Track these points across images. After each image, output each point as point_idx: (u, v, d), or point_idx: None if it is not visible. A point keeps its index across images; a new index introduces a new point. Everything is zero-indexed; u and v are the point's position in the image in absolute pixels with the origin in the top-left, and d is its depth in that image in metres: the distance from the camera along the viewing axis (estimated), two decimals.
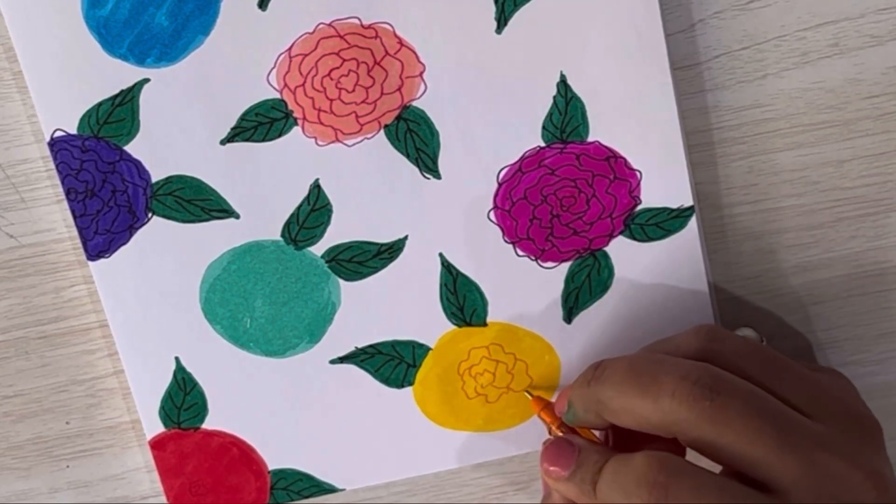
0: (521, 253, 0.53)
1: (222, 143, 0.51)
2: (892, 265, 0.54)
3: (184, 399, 0.54)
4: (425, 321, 0.53)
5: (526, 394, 0.54)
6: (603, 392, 0.48)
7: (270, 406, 0.54)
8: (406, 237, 0.52)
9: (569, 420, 0.50)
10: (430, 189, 0.52)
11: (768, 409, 0.46)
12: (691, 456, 0.47)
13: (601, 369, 0.48)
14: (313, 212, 0.52)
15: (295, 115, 0.51)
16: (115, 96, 0.50)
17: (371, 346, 0.54)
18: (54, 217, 0.53)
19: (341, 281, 0.53)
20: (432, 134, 0.51)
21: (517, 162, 0.52)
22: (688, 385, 0.45)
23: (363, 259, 0.53)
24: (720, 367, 0.47)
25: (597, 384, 0.48)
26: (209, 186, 0.52)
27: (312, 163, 0.51)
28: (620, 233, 0.52)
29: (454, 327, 0.54)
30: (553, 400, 0.52)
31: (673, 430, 0.46)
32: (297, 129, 0.51)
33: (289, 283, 0.53)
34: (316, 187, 0.52)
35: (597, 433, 0.51)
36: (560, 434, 0.50)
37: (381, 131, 0.51)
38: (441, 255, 0.53)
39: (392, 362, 0.54)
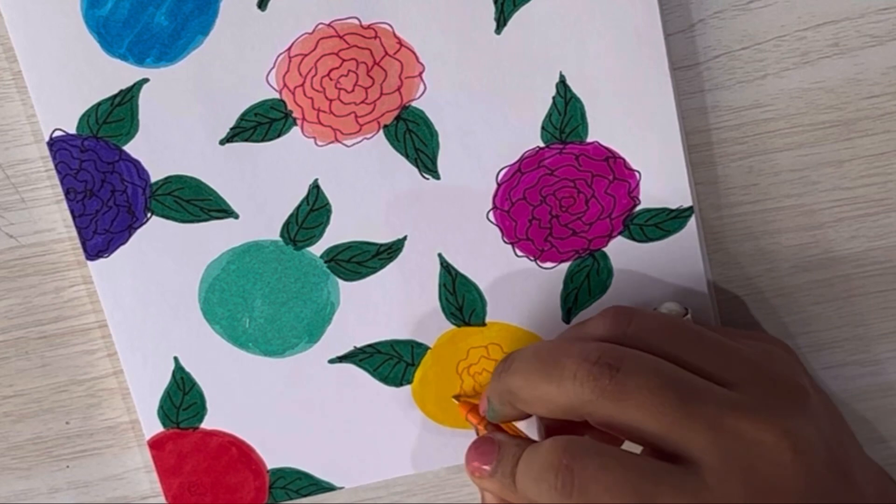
0: (520, 253, 0.53)
1: (221, 143, 0.51)
2: (892, 265, 0.54)
3: (183, 399, 0.54)
4: (424, 321, 0.53)
5: (453, 400, 0.54)
6: (512, 382, 0.48)
7: (269, 405, 0.54)
8: (405, 237, 0.52)
9: (491, 417, 0.50)
10: (429, 189, 0.52)
11: (671, 380, 0.45)
12: None
13: (510, 360, 0.49)
14: (312, 212, 0.52)
15: (294, 115, 0.51)
16: (115, 96, 0.50)
17: (370, 345, 0.54)
18: (54, 217, 0.53)
19: (340, 281, 0.53)
20: (431, 134, 0.51)
21: (516, 162, 0.52)
22: (587, 365, 0.45)
23: (362, 259, 0.53)
24: (629, 346, 0.46)
25: (506, 375, 0.48)
26: (208, 186, 0.52)
27: (311, 163, 0.51)
28: (619, 233, 0.52)
29: (453, 327, 0.54)
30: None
31: (581, 413, 0.46)
32: (296, 129, 0.51)
33: (288, 283, 0.53)
34: (315, 187, 0.52)
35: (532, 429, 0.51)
36: (485, 433, 0.50)
37: (381, 131, 0.51)
38: (440, 255, 0.53)
39: (391, 361, 0.54)
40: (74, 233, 0.52)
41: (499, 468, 0.48)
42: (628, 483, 0.44)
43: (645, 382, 0.45)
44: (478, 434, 0.51)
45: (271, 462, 0.55)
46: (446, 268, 0.53)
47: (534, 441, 0.49)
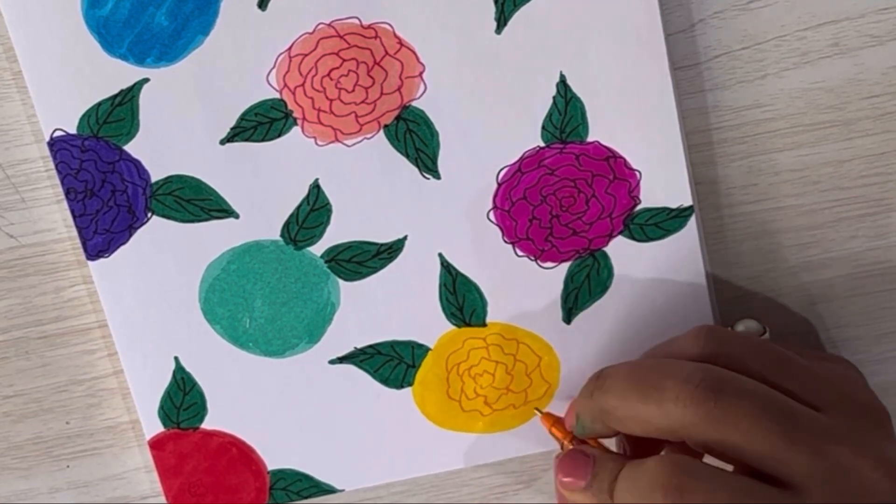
0: (520, 253, 0.53)
1: (222, 142, 0.51)
2: (892, 265, 0.54)
3: (183, 399, 0.54)
4: (425, 321, 0.53)
5: (535, 411, 0.54)
6: (607, 402, 0.48)
7: (270, 406, 0.54)
8: (405, 237, 0.52)
9: (579, 433, 0.50)
10: (429, 189, 0.52)
11: (773, 405, 0.46)
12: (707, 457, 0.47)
13: (602, 378, 0.48)
14: (313, 212, 0.52)
15: (294, 114, 0.51)
16: (115, 96, 0.50)
17: (370, 346, 0.54)
18: (54, 217, 0.53)
19: (341, 281, 0.53)
20: (432, 134, 0.51)
21: (517, 162, 0.52)
22: (690, 388, 0.45)
23: (363, 259, 0.53)
24: (724, 367, 0.47)
25: (600, 394, 0.48)
26: (209, 186, 0.52)
27: (312, 163, 0.51)
28: (620, 233, 0.52)
29: (454, 327, 0.54)
30: (563, 415, 0.52)
31: (680, 434, 0.46)
32: (296, 129, 0.51)
33: (288, 283, 0.53)
34: (315, 187, 0.52)
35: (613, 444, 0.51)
36: (571, 447, 0.50)
37: (381, 131, 0.51)
38: (440, 255, 0.53)
39: (391, 363, 0.54)
40: (75, 233, 0.52)
41: (594, 483, 0.48)
42: None
43: (748, 407, 0.45)
44: (562, 448, 0.51)
45: (272, 463, 0.55)
46: (447, 268, 0.53)
47: (626, 457, 0.49)
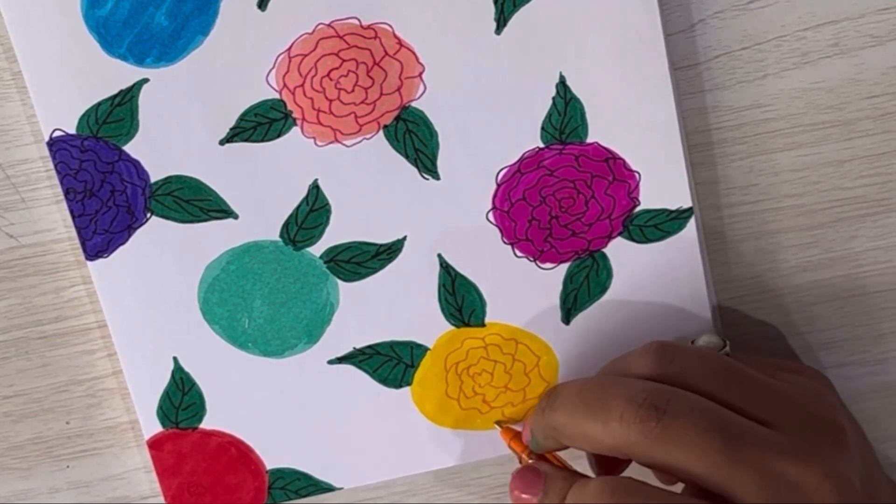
0: (519, 254, 0.53)
1: (221, 143, 0.51)
2: (892, 265, 0.54)
3: (182, 399, 0.54)
4: (424, 322, 0.53)
5: (496, 425, 0.54)
6: (556, 419, 0.48)
7: (268, 406, 0.54)
8: (405, 238, 0.52)
9: (534, 447, 0.51)
10: (428, 190, 0.52)
11: (717, 422, 0.45)
12: None
13: (553, 396, 0.49)
14: (312, 212, 0.52)
15: (294, 115, 0.51)
16: (115, 96, 0.50)
17: (369, 346, 0.54)
18: (54, 217, 0.53)
19: (340, 281, 0.53)
20: (431, 135, 0.51)
21: (516, 163, 0.52)
22: (634, 408, 0.46)
23: (362, 259, 0.53)
24: (673, 384, 0.47)
25: (550, 411, 0.49)
26: (208, 186, 0.52)
27: (311, 163, 0.51)
28: (619, 234, 0.52)
29: (452, 328, 0.54)
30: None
31: (626, 453, 0.46)
32: (296, 130, 0.51)
33: (287, 283, 0.53)
34: (315, 188, 0.52)
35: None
36: (530, 461, 0.51)
37: (381, 132, 0.51)
38: (440, 255, 0.53)
39: (390, 362, 0.54)
40: (74, 233, 0.52)
41: (545, 500, 0.49)
42: None
43: (691, 425, 0.45)
44: (520, 462, 0.52)
45: (270, 462, 0.55)
46: (446, 268, 0.53)
47: (580, 475, 0.49)
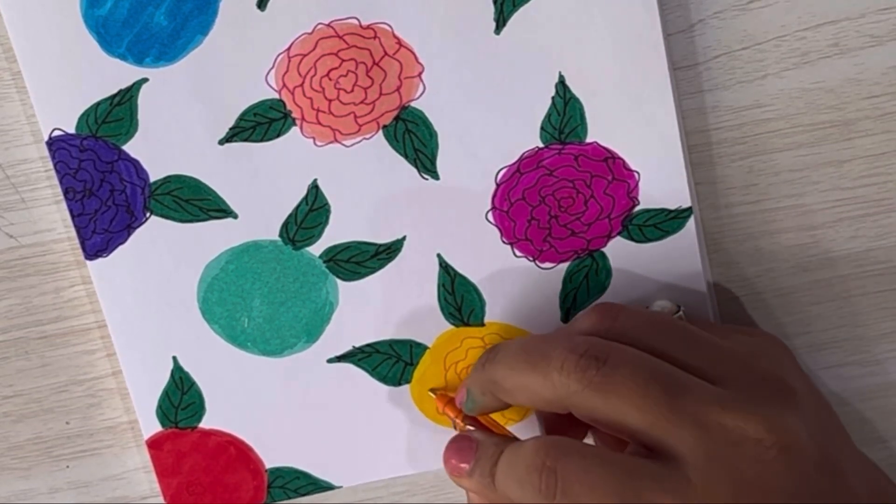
0: (519, 253, 0.53)
1: (221, 142, 0.51)
2: (892, 265, 0.54)
3: (181, 398, 0.54)
4: (423, 321, 0.53)
5: (429, 393, 0.54)
6: (496, 372, 0.48)
7: (268, 405, 0.54)
8: (404, 237, 0.52)
9: (468, 408, 0.50)
10: (428, 190, 0.52)
11: (658, 373, 0.45)
12: None
13: (494, 351, 0.49)
14: (311, 212, 0.52)
15: (293, 115, 0.51)
16: (114, 96, 0.50)
17: (368, 344, 0.54)
18: (54, 217, 0.53)
19: (339, 281, 0.53)
20: (431, 134, 0.51)
21: (515, 163, 0.52)
22: (574, 357, 0.45)
23: (361, 259, 0.53)
24: (616, 341, 0.46)
25: (490, 365, 0.48)
26: (207, 186, 0.52)
27: (311, 163, 0.51)
28: (618, 234, 0.52)
29: (452, 327, 0.54)
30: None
31: (565, 404, 0.46)
32: (295, 130, 0.51)
33: (287, 282, 0.53)
34: (314, 187, 0.52)
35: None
36: (464, 427, 0.51)
37: (380, 132, 0.51)
38: (439, 255, 0.53)
39: (389, 361, 0.54)
40: (74, 233, 0.52)
41: (476, 468, 0.48)
42: (612, 482, 0.44)
43: (631, 375, 0.45)
44: (455, 427, 0.52)
45: (270, 461, 0.55)
46: (445, 268, 0.53)
47: (513, 439, 0.49)
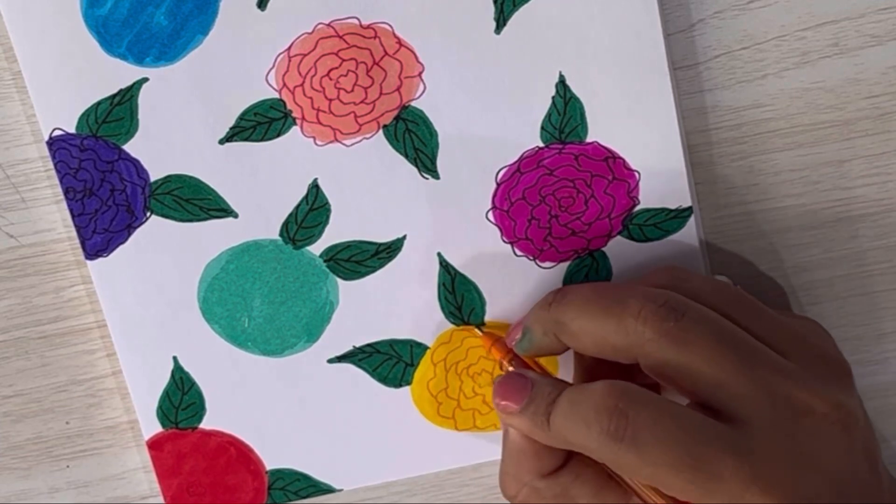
0: (519, 253, 0.53)
1: (221, 142, 0.51)
2: (892, 265, 0.54)
3: (181, 399, 0.54)
4: (423, 321, 0.53)
5: (476, 330, 0.54)
6: (564, 313, 0.48)
7: (268, 406, 0.54)
8: (404, 237, 0.52)
9: (523, 348, 0.50)
10: (428, 189, 0.52)
11: (734, 336, 0.45)
12: None
13: (563, 293, 0.48)
14: (312, 211, 0.52)
15: (294, 114, 0.51)
16: (114, 95, 0.50)
17: (369, 345, 0.54)
18: (54, 217, 0.53)
19: (339, 280, 0.53)
20: (431, 134, 0.51)
21: (516, 162, 0.52)
22: (653, 306, 0.45)
23: (361, 258, 0.53)
24: None
25: (559, 306, 0.48)
26: (208, 186, 0.52)
27: (311, 162, 0.51)
28: (619, 233, 0.52)
29: (452, 327, 0.54)
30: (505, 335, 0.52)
31: (635, 353, 0.46)
32: (295, 129, 0.51)
33: (287, 282, 0.53)
34: (314, 187, 0.52)
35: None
36: (511, 369, 0.50)
37: (380, 131, 0.51)
38: (439, 254, 0.53)
39: (390, 361, 0.54)
40: (74, 233, 0.52)
41: (531, 405, 0.47)
42: (680, 434, 0.44)
43: (708, 332, 0.45)
44: (501, 368, 0.51)
45: (270, 463, 0.55)
46: (445, 267, 0.53)
47: (567, 383, 0.48)
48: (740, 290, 0.49)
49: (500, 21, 0.50)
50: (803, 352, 0.47)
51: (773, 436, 0.44)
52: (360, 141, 0.51)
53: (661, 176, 0.52)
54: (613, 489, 0.48)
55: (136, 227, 0.52)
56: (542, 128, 0.51)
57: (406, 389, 0.54)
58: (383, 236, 0.52)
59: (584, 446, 0.45)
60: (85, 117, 0.51)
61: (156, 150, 0.51)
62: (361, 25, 0.50)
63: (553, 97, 0.51)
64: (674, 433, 0.44)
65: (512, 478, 0.49)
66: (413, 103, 0.51)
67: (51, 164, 0.51)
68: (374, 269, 0.53)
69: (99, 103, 0.50)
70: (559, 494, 0.48)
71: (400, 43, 0.50)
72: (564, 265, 0.53)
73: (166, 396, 0.54)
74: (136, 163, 0.51)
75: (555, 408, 0.46)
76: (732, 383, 0.44)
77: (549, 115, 0.51)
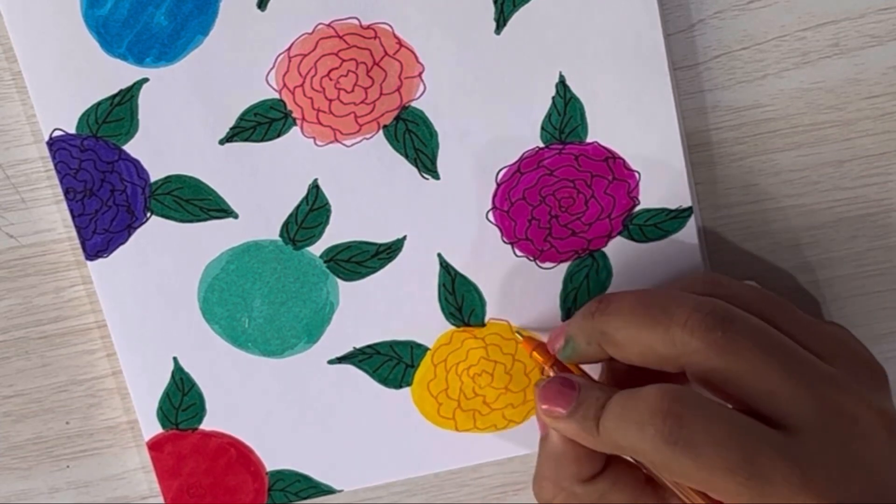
0: (519, 253, 0.53)
1: (221, 142, 0.51)
2: (892, 265, 0.54)
3: (182, 399, 0.54)
4: (423, 321, 0.53)
5: (517, 335, 0.53)
6: (609, 323, 0.47)
7: (268, 406, 0.54)
8: (405, 237, 0.52)
9: (566, 356, 0.50)
10: (428, 189, 0.52)
11: (781, 344, 0.45)
12: None
13: (606, 302, 0.48)
14: (312, 212, 0.52)
15: (294, 115, 0.51)
16: (114, 96, 0.50)
17: (369, 346, 0.54)
18: (54, 217, 0.53)
19: (340, 281, 0.53)
20: (431, 134, 0.51)
21: (516, 162, 0.52)
22: (700, 316, 0.45)
23: (362, 259, 0.53)
24: None
25: (602, 316, 0.48)
26: (208, 186, 0.52)
27: (311, 163, 0.51)
28: (619, 233, 0.52)
29: (452, 327, 0.54)
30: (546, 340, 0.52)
31: (681, 362, 0.46)
32: (295, 129, 0.51)
33: (287, 282, 0.53)
34: (315, 187, 0.52)
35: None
36: (553, 374, 0.50)
37: (380, 132, 0.51)
38: (439, 255, 0.53)
39: (390, 363, 0.54)
40: (74, 233, 0.52)
41: (579, 410, 0.47)
42: (735, 439, 0.44)
43: (755, 342, 0.45)
44: (542, 373, 0.51)
45: (270, 464, 0.55)
46: (445, 268, 0.53)
47: (613, 388, 0.48)
48: (776, 295, 0.49)
49: (500, 21, 0.50)
50: (845, 358, 0.47)
51: (824, 442, 0.44)
52: (361, 141, 0.51)
53: (661, 176, 0.52)
54: (650, 495, 0.48)
55: (136, 228, 0.52)
56: (543, 128, 0.51)
57: (406, 390, 0.54)
58: (383, 237, 0.52)
59: (635, 449, 0.45)
60: (85, 117, 0.51)
61: (156, 150, 0.51)
62: (361, 26, 0.50)
63: (553, 97, 0.51)
64: (728, 437, 0.44)
65: (550, 482, 0.49)
66: (413, 103, 0.51)
67: (51, 165, 0.51)
68: (374, 270, 0.53)
69: (99, 103, 0.50)
70: (597, 500, 0.48)
71: (400, 43, 0.50)
72: (564, 265, 0.53)
73: (166, 397, 0.54)
74: (136, 163, 0.51)
75: (605, 412, 0.46)
76: (782, 391, 0.44)
77: (549, 116, 0.51)
